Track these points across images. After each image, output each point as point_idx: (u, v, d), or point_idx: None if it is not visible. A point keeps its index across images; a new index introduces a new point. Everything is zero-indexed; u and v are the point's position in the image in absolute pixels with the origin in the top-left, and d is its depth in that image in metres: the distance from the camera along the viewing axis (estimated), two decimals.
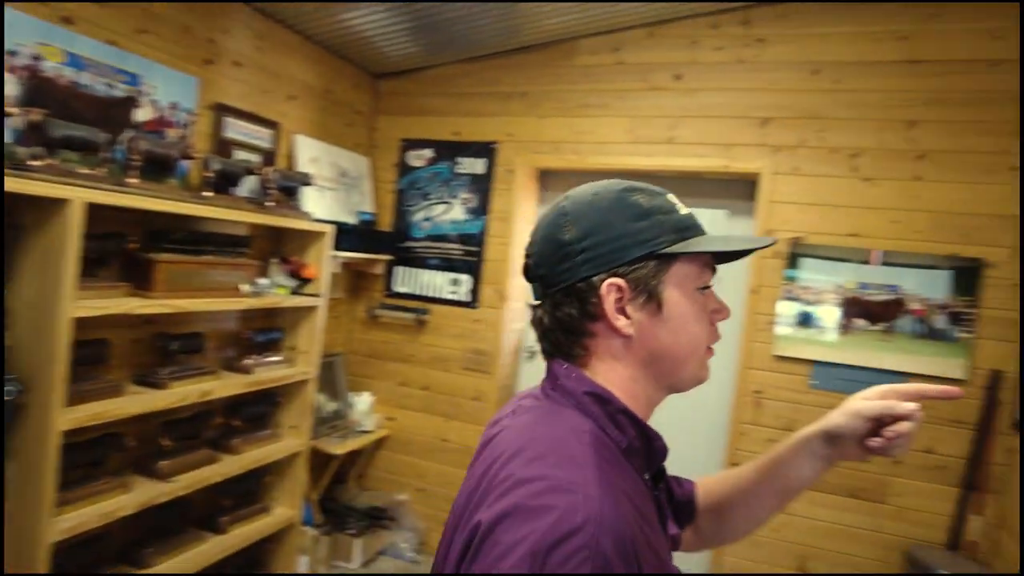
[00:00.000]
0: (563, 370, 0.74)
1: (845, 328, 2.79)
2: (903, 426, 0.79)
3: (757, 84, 2.90)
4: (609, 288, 0.70)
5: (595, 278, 0.71)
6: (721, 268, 0.78)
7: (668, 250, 0.71)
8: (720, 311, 0.77)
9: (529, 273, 0.78)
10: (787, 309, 2.86)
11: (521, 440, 0.67)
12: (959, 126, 2.67)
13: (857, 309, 2.78)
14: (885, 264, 2.75)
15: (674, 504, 0.91)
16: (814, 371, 2.83)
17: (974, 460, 2.68)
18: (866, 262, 2.77)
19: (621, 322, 0.71)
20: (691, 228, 0.74)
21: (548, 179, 3.45)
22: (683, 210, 0.75)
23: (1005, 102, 2.62)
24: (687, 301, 0.73)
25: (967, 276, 2.67)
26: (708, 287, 0.76)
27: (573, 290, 0.72)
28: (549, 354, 0.77)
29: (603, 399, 0.71)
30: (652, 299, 0.71)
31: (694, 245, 0.72)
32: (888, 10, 2.74)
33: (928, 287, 2.71)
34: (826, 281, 2.81)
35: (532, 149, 3.28)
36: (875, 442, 0.81)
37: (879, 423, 0.81)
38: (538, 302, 0.77)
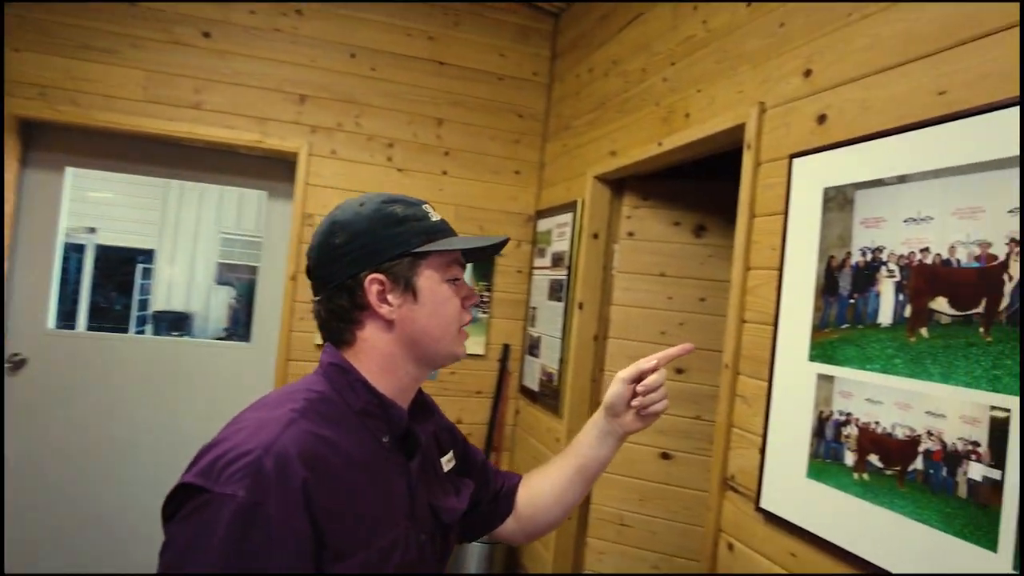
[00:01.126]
0: (325, 349, 0.89)
1: None
2: (651, 378, 1.01)
3: (295, 58, 2.73)
4: (372, 281, 0.84)
5: (361, 274, 0.85)
6: None
7: (419, 249, 0.86)
8: (469, 297, 0.93)
9: (310, 274, 0.90)
10: None
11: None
12: (476, 129, 2.98)
13: None
14: None
15: (489, 493, 1.11)
16: None
17: (492, 424, 3.05)
18: None
19: (384, 309, 0.85)
20: (441, 232, 0.90)
21: (39, 135, 2.65)
22: (435, 217, 0.91)
23: (507, 112, 3.02)
24: (438, 290, 0.88)
25: (484, 264, 3.00)
26: (458, 279, 0.91)
27: (344, 285, 0.85)
28: (327, 340, 0.90)
29: (343, 369, 0.86)
30: (409, 289, 0.86)
31: (439, 245, 0.88)
32: (419, 9, 2.89)
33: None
34: None
35: (8, 91, 2.47)
36: (636, 401, 1.02)
37: (641, 389, 1.02)
38: (318, 297, 0.89)
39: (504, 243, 0.96)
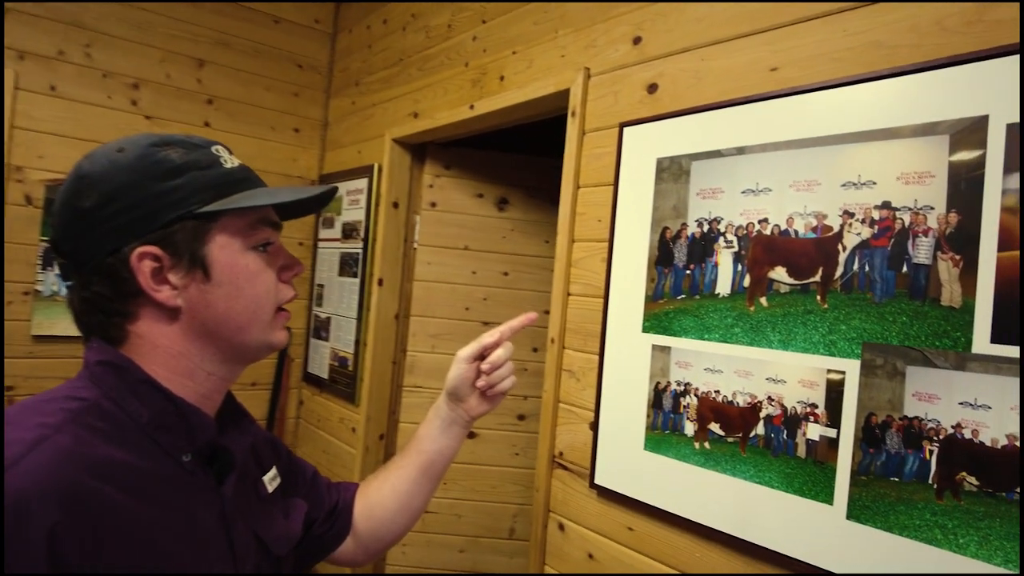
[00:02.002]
0: (90, 344, 0.67)
1: None
2: (496, 354, 0.90)
3: None
4: (141, 257, 0.64)
5: (124, 248, 0.63)
6: None
7: (206, 208, 0.66)
8: (289, 267, 0.74)
9: (57, 249, 0.68)
10: None
11: None
12: (247, 76, 2.53)
13: None
14: None
15: (323, 511, 0.91)
16: None
17: (271, 418, 2.68)
18: None
19: (163, 293, 0.65)
20: (239, 183, 0.69)
21: None
22: (230, 163, 0.70)
23: (285, 61, 2.63)
24: (239, 262, 0.68)
25: None
26: (270, 243, 0.71)
27: (102, 266, 0.64)
28: (88, 335, 0.68)
29: (119, 368, 0.65)
30: (196, 264, 0.66)
31: (234, 201, 0.67)
32: None
33: None
34: None
35: None
36: (481, 381, 0.91)
37: (486, 368, 0.91)
38: (69, 283, 0.68)
39: (331, 195, 0.78)
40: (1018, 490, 0.81)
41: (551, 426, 1.50)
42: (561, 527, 1.46)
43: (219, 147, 0.72)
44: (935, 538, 0.88)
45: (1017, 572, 0.79)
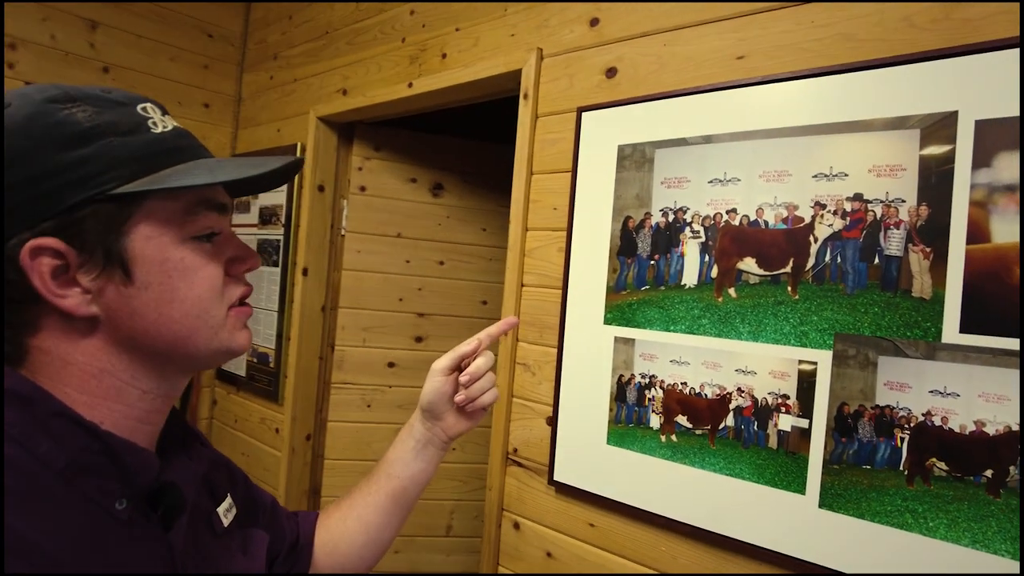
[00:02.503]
0: None
1: None
2: (476, 364, 0.81)
3: None
4: (35, 253, 0.48)
5: (12, 241, 0.48)
6: None
7: (122, 190, 0.50)
8: (242, 260, 0.59)
9: None
10: None
11: None
12: (150, 45, 2.28)
13: None
14: None
15: (285, 545, 0.79)
16: None
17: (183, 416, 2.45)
18: None
19: (70, 299, 0.50)
20: (170, 153, 0.53)
21: None
22: (160, 127, 0.54)
23: (193, 29, 2.39)
24: (172, 256, 0.53)
25: None
26: (215, 233, 0.56)
27: None
28: None
29: (24, 399, 0.49)
30: (112, 262, 0.51)
31: (162, 180, 0.51)
32: None
33: None
34: None
35: None
36: (459, 396, 0.81)
37: (465, 380, 0.81)
38: None
39: (295, 168, 0.61)
40: (987, 474, 0.85)
41: (504, 422, 1.45)
42: (516, 526, 1.41)
43: (148, 105, 0.56)
44: (906, 523, 0.90)
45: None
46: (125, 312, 0.53)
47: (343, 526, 0.85)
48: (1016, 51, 0.85)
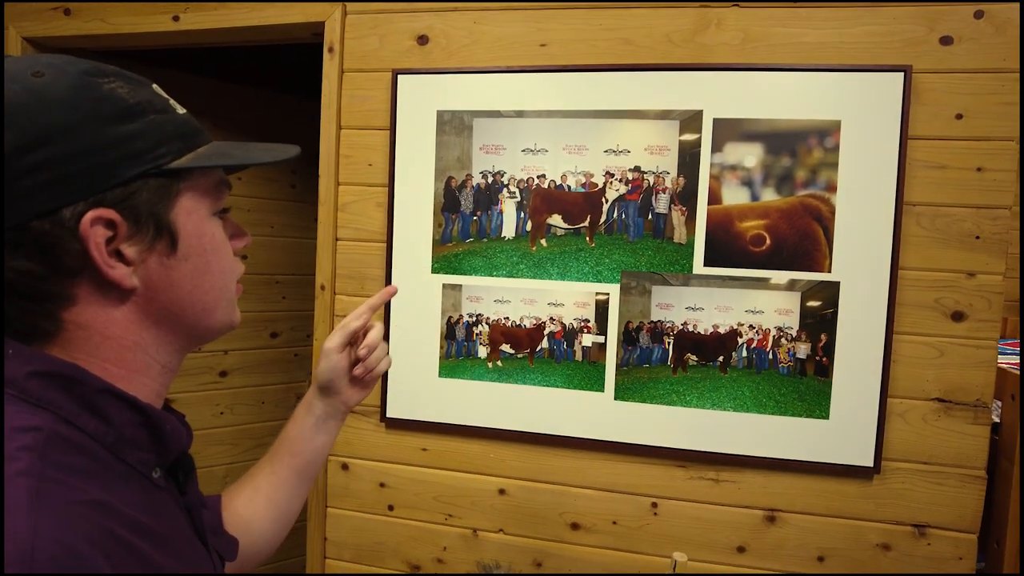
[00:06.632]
0: (8, 352, 0.49)
1: None
2: (371, 337, 0.84)
3: None
4: (95, 223, 0.49)
5: (67, 211, 0.48)
6: None
7: (178, 164, 0.53)
8: (240, 236, 0.63)
9: None
10: None
11: None
12: None
13: None
14: None
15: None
16: None
17: None
18: None
19: (118, 271, 0.51)
20: (198, 132, 0.57)
21: None
22: (180, 108, 0.57)
23: None
24: (206, 230, 0.57)
25: None
26: (227, 210, 0.61)
27: (28, 233, 0.47)
28: None
29: (68, 379, 0.50)
30: (162, 234, 0.53)
31: (213, 157, 0.56)
32: None
33: None
34: None
35: None
36: (358, 369, 0.84)
37: (363, 352, 0.83)
38: None
39: (294, 156, 0.66)
40: (719, 359, 1.27)
41: None
42: (345, 467, 1.51)
43: (155, 85, 0.57)
44: (672, 400, 1.29)
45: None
46: (164, 283, 0.54)
47: (252, 506, 0.84)
48: (735, 73, 1.24)
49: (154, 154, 0.52)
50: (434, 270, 1.41)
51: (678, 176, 1.28)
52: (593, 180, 1.32)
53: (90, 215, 0.49)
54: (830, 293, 1.24)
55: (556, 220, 1.35)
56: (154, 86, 0.56)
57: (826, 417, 1.25)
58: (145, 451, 0.54)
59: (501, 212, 1.37)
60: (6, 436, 0.45)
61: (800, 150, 1.24)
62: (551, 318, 1.36)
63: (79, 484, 0.46)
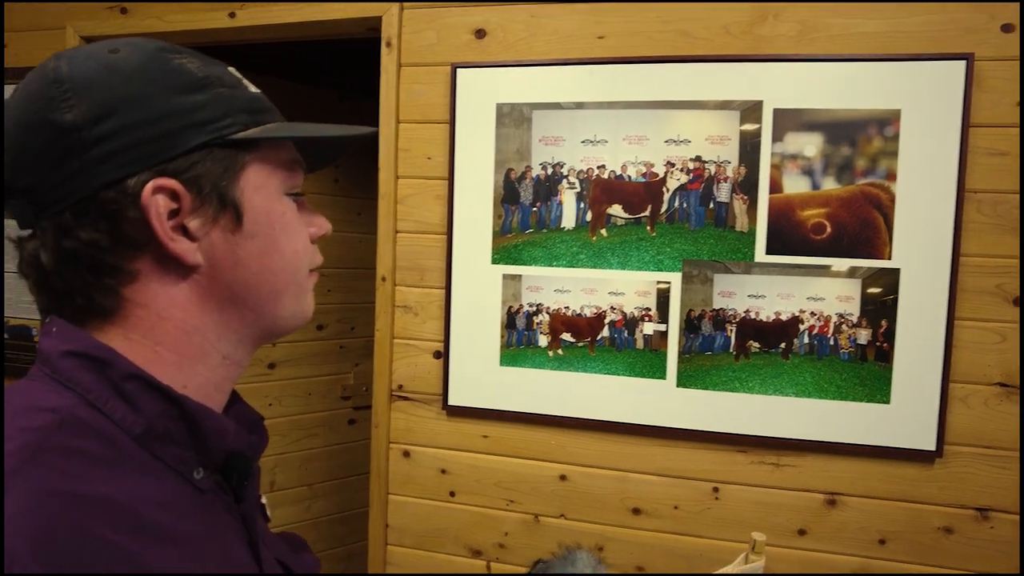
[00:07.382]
0: (49, 328, 0.49)
1: None
2: None
3: None
4: (156, 191, 0.47)
5: (131, 180, 0.47)
6: None
7: (243, 135, 0.50)
8: (318, 225, 0.59)
9: (9, 188, 0.48)
10: None
11: None
12: None
13: None
14: None
15: None
16: None
17: None
18: None
19: (182, 244, 0.49)
20: (269, 110, 0.54)
21: None
22: (253, 88, 0.54)
23: None
24: (276, 208, 0.53)
25: None
26: (301, 194, 0.57)
27: (94, 203, 0.47)
28: (51, 311, 0.50)
29: (100, 362, 0.47)
30: (226, 207, 0.50)
31: (280, 130, 0.53)
32: None
33: None
34: None
35: None
36: None
37: None
38: (28, 232, 0.49)
39: (370, 134, 0.63)
40: (781, 346, 1.29)
41: (388, 362, 1.53)
42: (406, 454, 1.54)
43: (232, 68, 0.55)
44: (735, 387, 1.32)
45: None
46: (229, 261, 0.51)
47: None
48: (794, 64, 1.26)
49: (218, 124, 0.50)
50: (494, 261, 1.44)
51: (739, 165, 1.30)
52: (654, 170, 1.34)
53: (151, 184, 0.47)
54: (891, 280, 1.25)
55: (616, 210, 1.37)
56: (230, 68, 0.55)
57: (887, 402, 1.27)
58: (182, 447, 0.49)
59: (560, 203, 1.40)
60: (25, 414, 0.45)
61: (860, 139, 1.25)
62: (611, 307, 1.38)
63: (78, 472, 0.44)
